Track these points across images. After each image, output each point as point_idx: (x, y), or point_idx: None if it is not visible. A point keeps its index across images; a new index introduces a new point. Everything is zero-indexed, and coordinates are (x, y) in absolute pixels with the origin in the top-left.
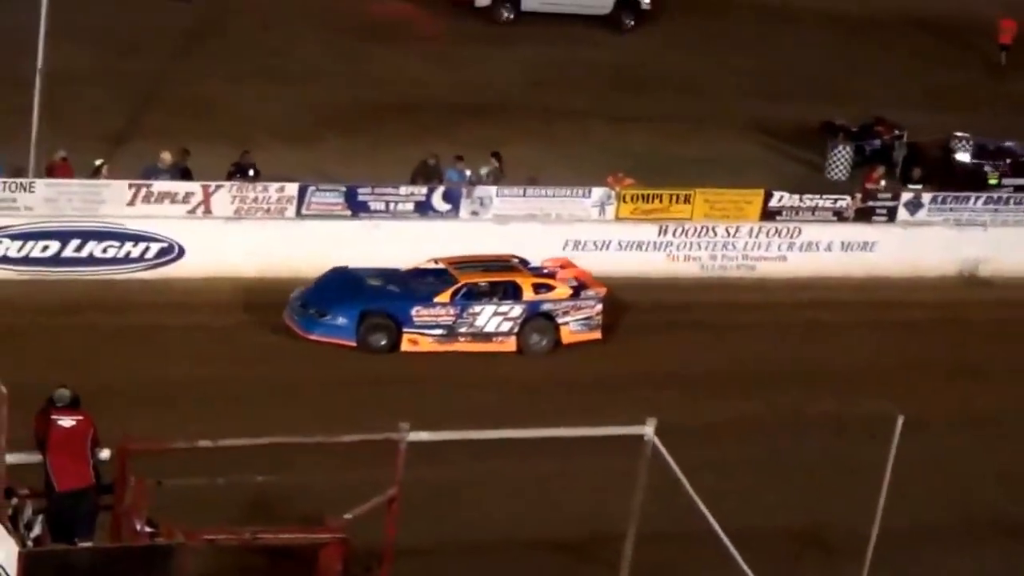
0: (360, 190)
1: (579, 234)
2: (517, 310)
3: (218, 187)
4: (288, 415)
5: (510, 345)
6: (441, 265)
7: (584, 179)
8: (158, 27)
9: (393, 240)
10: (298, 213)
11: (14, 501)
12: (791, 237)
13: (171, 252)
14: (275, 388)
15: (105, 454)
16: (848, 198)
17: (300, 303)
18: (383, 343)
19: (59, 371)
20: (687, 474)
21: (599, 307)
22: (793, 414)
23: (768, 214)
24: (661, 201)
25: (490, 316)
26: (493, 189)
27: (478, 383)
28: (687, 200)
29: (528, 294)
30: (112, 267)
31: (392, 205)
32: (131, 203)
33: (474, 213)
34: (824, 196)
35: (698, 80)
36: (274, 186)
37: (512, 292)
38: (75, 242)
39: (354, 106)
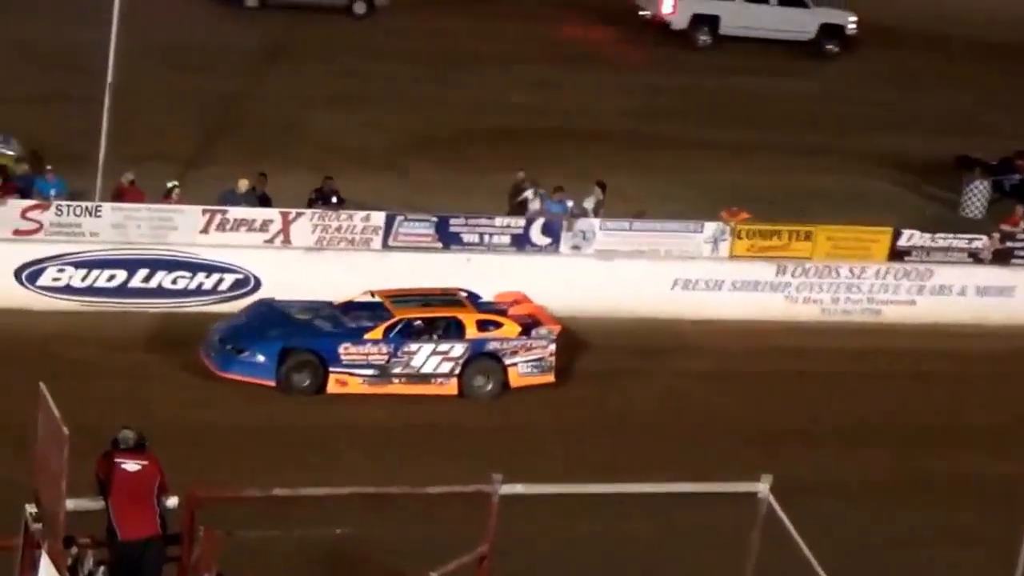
0: (452, 221)
1: (689, 272)
2: (459, 349)
3: (298, 215)
4: (367, 462)
5: (451, 388)
6: (377, 299)
7: (695, 213)
8: (236, 46)
9: (487, 275)
10: (384, 244)
11: (74, 550)
12: (921, 280)
13: (246, 284)
14: (349, 432)
15: (172, 501)
16: (985, 238)
17: (218, 338)
18: (306, 384)
19: (124, 410)
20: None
21: (552, 347)
22: (922, 474)
23: (896, 254)
24: (780, 238)
25: (428, 355)
26: (596, 222)
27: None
28: (808, 237)
29: (471, 332)
30: (182, 299)
31: (486, 237)
32: (204, 230)
33: (575, 247)
34: (958, 236)
35: (835, 111)
36: (359, 215)
37: (454, 329)
38: (143, 272)
39: (448, 132)
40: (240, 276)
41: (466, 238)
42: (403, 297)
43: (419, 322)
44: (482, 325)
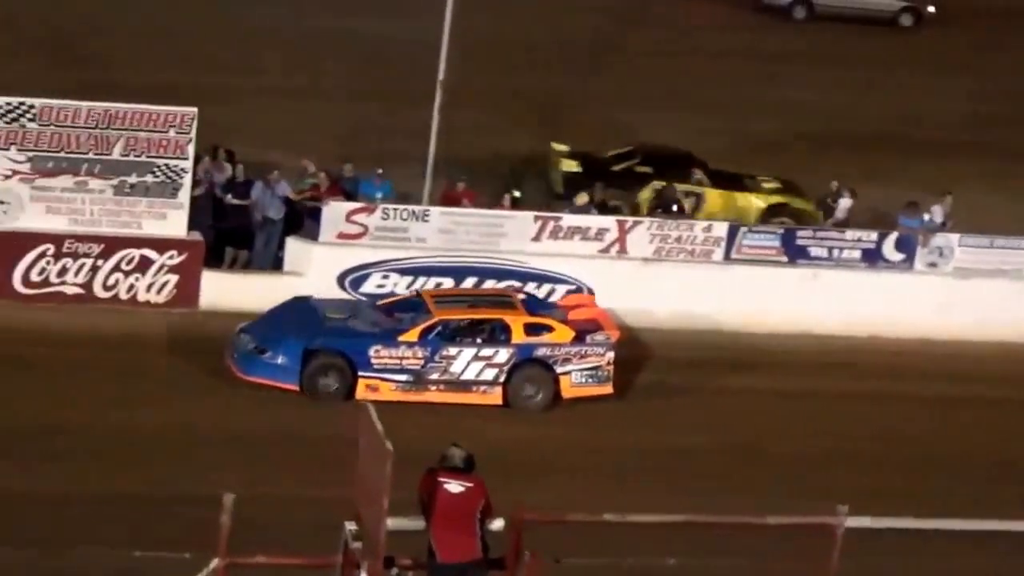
0: (800, 233)
1: None
2: (503, 355)
3: (636, 224)
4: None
5: (494, 397)
6: (421, 298)
7: None
8: (566, 42)
9: (834, 292)
10: (726, 257)
11: (395, 572)
12: None
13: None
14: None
15: (498, 524)
16: None
17: (242, 338)
18: (333, 388)
19: (442, 428)
20: None
21: (610, 355)
22: None
23: None
24: None
25: (468, 361)
26: (955, 238)
27: None
28: None
29: (518, 336)
30: None
31: (836, 252)
32: (536, 238)
33: (931, 264)
34: None
35: None
36: (700, 225)
37: (499, 333)
38: (471, 280)
39: (794, 138)
40: (572, 287)
41: (813, 252)
42: (449, 297)
43: (460, 323)
44: (531, 329)
